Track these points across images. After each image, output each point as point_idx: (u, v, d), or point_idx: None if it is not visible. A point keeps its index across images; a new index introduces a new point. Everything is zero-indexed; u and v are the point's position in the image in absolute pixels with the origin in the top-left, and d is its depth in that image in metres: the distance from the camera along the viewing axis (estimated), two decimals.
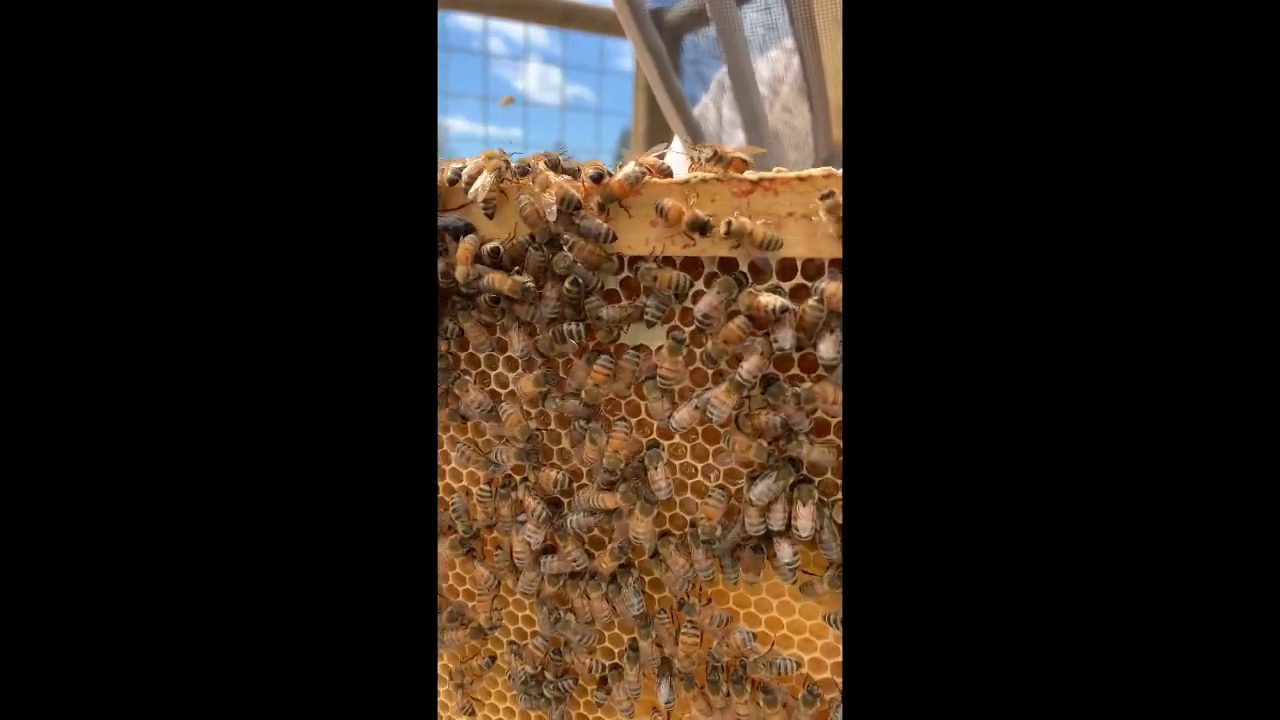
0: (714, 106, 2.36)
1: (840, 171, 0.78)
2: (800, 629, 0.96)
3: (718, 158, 0.82)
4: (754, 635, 0.96)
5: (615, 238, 0.83)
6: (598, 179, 0.82)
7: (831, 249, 0.78)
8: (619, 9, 1.88)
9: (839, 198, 0.75)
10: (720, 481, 0.92)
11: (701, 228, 0.81)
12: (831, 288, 0.78)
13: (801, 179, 0.79)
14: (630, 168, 0.82)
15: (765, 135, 2.08)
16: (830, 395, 0.81)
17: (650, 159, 0.84)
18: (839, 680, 0.95)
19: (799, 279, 0.82)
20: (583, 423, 0.93)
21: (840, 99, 2.09)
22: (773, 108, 2.19)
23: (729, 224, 0.79)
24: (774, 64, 2.23)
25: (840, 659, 0.95)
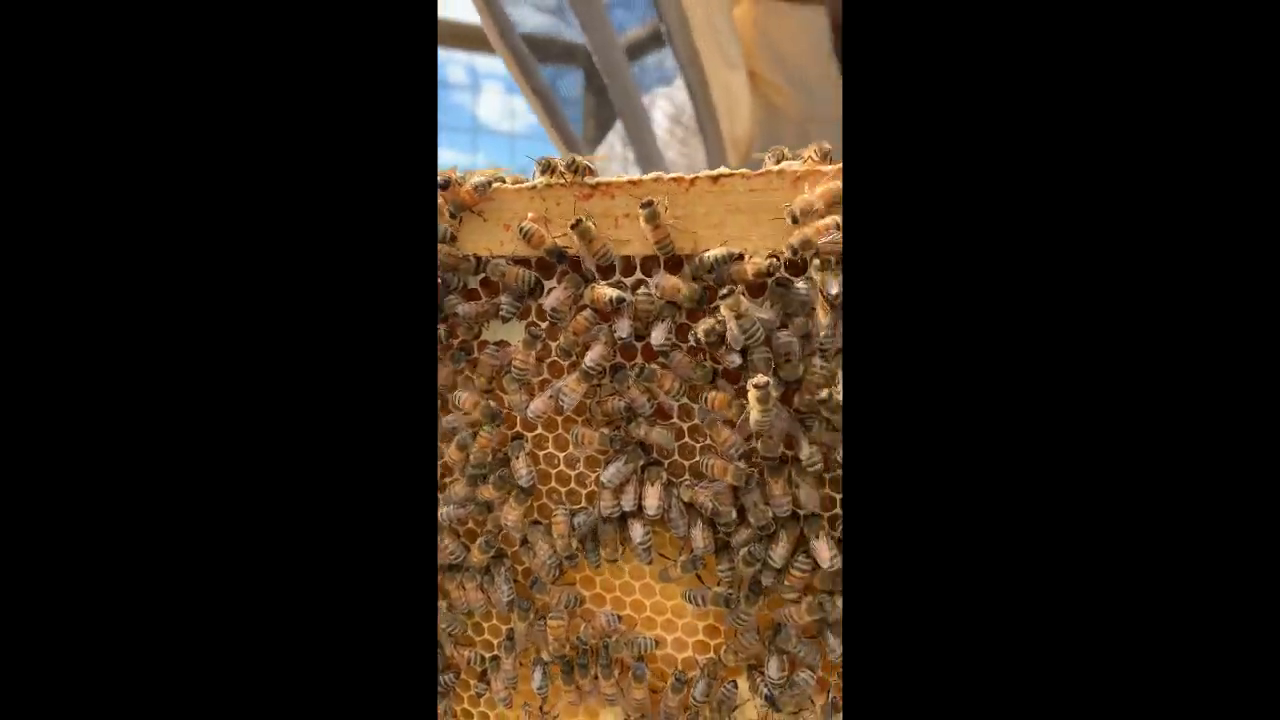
0: (619, 144, 2.48)
1: (668, 175, 0.87)
2: (662, 610, 1.02)
3: (572, 166, 0.90)
4: (619, 617, 1.02)
5: (453, 238, 0.91)
6: (444, 186, 0.89)
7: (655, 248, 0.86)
8: (504, 57, 1.98)
9: (658, 206, 0.83)
10: (565, 502, 0.99)
11: (559, 256, 0.89)
12: (667, 281, 0.86)
13: (634, 183, 0.87)
14: (477, 178, 0.90)
15: (661, 170, 2.19)
16: (667, 382, 0.88)
17: (491, 170, 0.91)
18: (699, 658, 1.01)
19: (638, 275, 0.90)
20: (449, 418, 0.99)
21: (732, 131, 2.22)
22: (670, 144, 2.31)
23: (579, 221, 0.87)
24: (669, 103, 2.36)
25: (699, 637, 1.01)
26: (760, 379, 0.82)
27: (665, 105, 2.42)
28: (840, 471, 0.86)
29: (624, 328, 0.87)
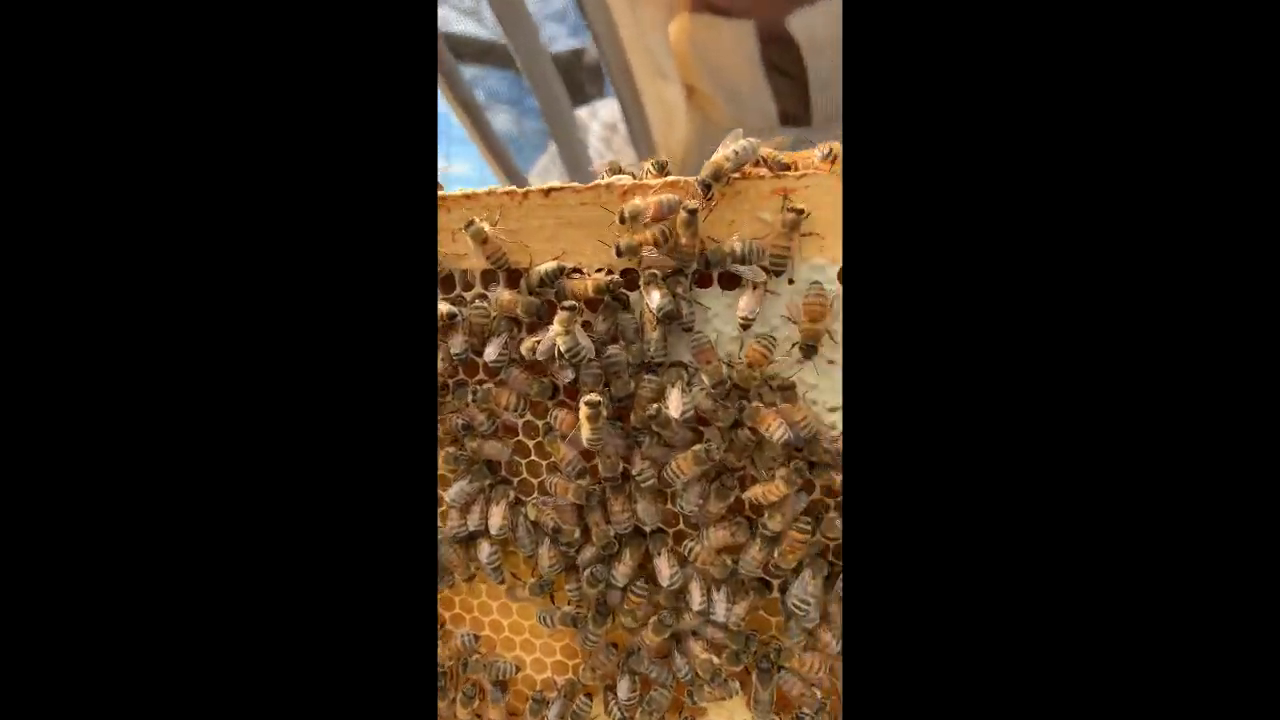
0: (557, 155, 2.47)
1: (501, 189, 0.85)
2: (520, 630, 1.00)
3: None
4: (476, 637, 1.00)
5: None
6: None
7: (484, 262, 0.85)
8: None
9: (479, 224, 0.82)
10: None
11: None
12: (503, 296, 0.85)
13: (469, 196, 0.86)
14: None
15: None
16: (504, 398, 0.87)
17: None
18: (558, 679, 0.99)
19: (478, 289, 0.89)
20: None
21: (667, 142, 2.21)
22: (605, 156, 2.30)
23: None
24: (604, 116, 2.36)
25: (558, 657, 0.99)
26: (592, 397, 0.80)
27: (600, 118, 2.42)
28: (677, 487, 0.84)
29: (457, 343, 0.86)
